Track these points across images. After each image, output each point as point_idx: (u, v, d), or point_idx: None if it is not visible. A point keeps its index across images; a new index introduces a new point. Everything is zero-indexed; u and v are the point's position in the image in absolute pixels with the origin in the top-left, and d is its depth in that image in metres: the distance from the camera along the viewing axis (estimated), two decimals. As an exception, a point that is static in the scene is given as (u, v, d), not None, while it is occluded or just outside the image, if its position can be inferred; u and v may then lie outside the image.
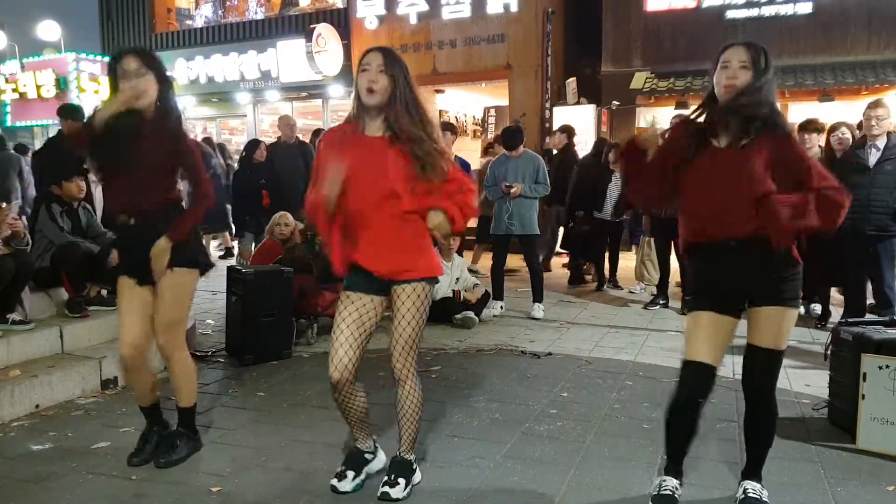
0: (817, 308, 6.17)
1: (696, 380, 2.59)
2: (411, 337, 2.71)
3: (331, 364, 2.67)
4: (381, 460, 2.98)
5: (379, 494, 2.75)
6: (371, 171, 2.60)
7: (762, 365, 2.61)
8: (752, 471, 2.72)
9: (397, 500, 2.74)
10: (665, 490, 2.64)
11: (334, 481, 2.81)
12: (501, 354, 5.07)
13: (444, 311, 6.02)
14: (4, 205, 4.30)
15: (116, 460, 3.13)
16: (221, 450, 3.26)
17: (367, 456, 2.93)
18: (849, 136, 5.61)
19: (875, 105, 5.19)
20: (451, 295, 6.08)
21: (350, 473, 2.83)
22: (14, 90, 16.00)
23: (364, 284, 2.69)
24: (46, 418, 3.67)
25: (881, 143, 5.15)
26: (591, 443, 3.34)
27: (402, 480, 2.77)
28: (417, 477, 2.90)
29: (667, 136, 2.68)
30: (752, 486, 2.67)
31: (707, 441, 3.37)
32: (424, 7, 12.96)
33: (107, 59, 16.27)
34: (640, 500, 2.77)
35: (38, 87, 15.53)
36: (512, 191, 6.19)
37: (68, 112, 5.91)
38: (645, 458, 3.16)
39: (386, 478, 2.80)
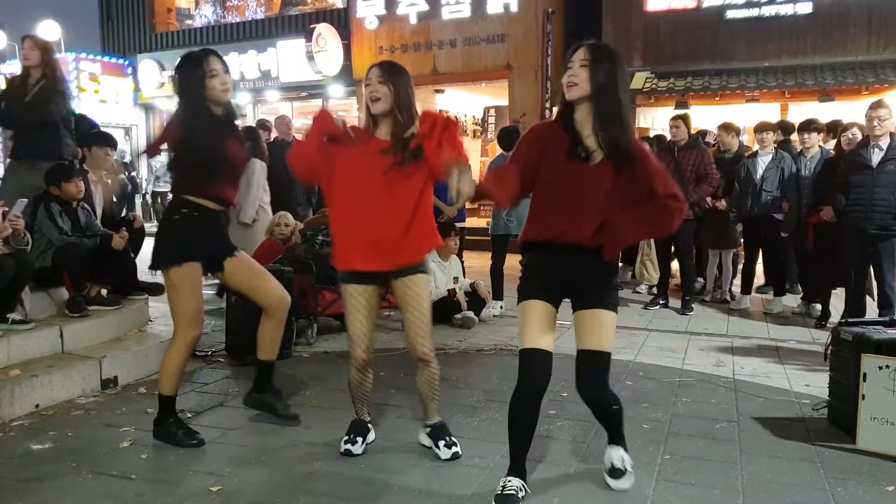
0: (817, 308, 6.18)
1: (538, 366, 2.67)
2: (429, 318, 3.04)
3: (357, 348, 3.04)
4: (373, 433, 3.28)
5: (450, 455, 3.08)
6: (377, 172, 2.89)
7: (592, 367, 2.68)
8: (615, 437, 2.89)
9: (461, 454, 3.10)
10: (508, 490, 2.65)
11: (348, 446, 3.13)
12: (501, 354, 5.07)
13: (444, 311, 6.01)
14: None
15: (116, 460, 3.13)
16: (221, 449, 3.26)
17: (369, 425, 3.25)
18: (859, 136, 5.63)
19: (876, 106, 5.20)
20: (446, 294, 6.06)
21: (359, 439, 3.16)
22: (14, 90, 16.00)
23: (362, 280, 3.01)
24: (46, 418, 3.67)
25: (884, 143, 5.15)
26: (590, 443, 3.34)
27: (455, 439, 3.14)
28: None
29: (529, 136, 2.74)
30: (616, 454, 2.84)
31: (706, 441, 3.37)
32: (424, 7, 12.97)
33: (107, 58, 16.40)
34: (639, 500, 2.77)
35: (38, 87, 15.52)
36: None
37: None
38: (644, 458, 3.15)
39: (444, 440, 3.12)
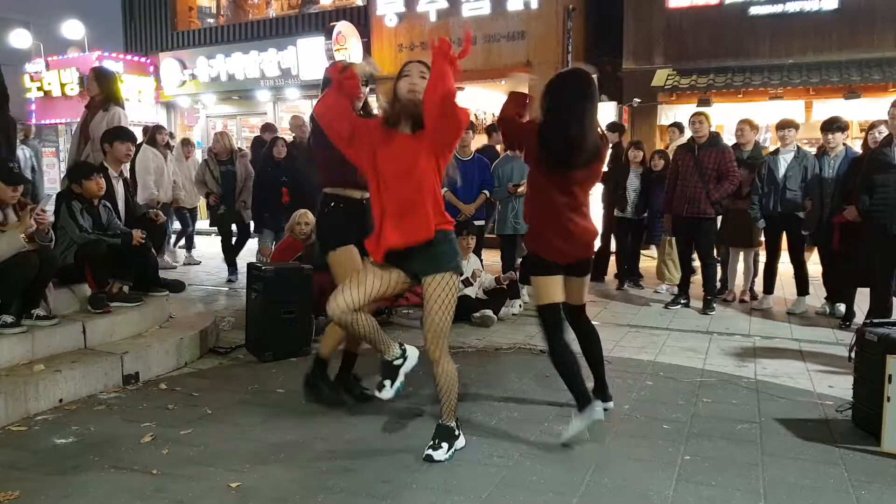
0: (842, 308, 6.09)
1: None
2: (440, 323, 3.00)
3: (330, 301, 2.97)
4: (413, 358, 3.14)
5: (424, 456, 3.04)
6: (402, 166, 2.95)
7: None
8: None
9: (440, 461, 3.03)
10: None
11: (376, 392, 3.09)
12: (520, 353, 5.06)
13: (462, 310, 5.99)
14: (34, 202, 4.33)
15: (138, 455, 3.16)
16: (241, 446, 3.28)
17: (395, 363, 3.10)
18: (886, 133, 5.53)
19: (899, 103, 5.10)
20: (463, 291, 6.05)
21: (387, 382, 3.08)
22: (39, 88, 16.23)
23: (390, 261, 3.01)
24: (70, 412, 3.72)
25: (908, 141, 5.06)
26: (609, 443, 3.32)
27: (444, 444, 3.07)
28: (461, 442, 3.17)
29: None
30: None
31: (728, 443, 3.33)
32: (444, 5, 12.96)
33: (129, 57, 16.56)
34: (658, 500, 2.75)
35: (63, 86, 15.74)
36: (519, 190, 6.22)
37: None
38: (665, 459, 3.13)
39: (431, 442, 3.08)
